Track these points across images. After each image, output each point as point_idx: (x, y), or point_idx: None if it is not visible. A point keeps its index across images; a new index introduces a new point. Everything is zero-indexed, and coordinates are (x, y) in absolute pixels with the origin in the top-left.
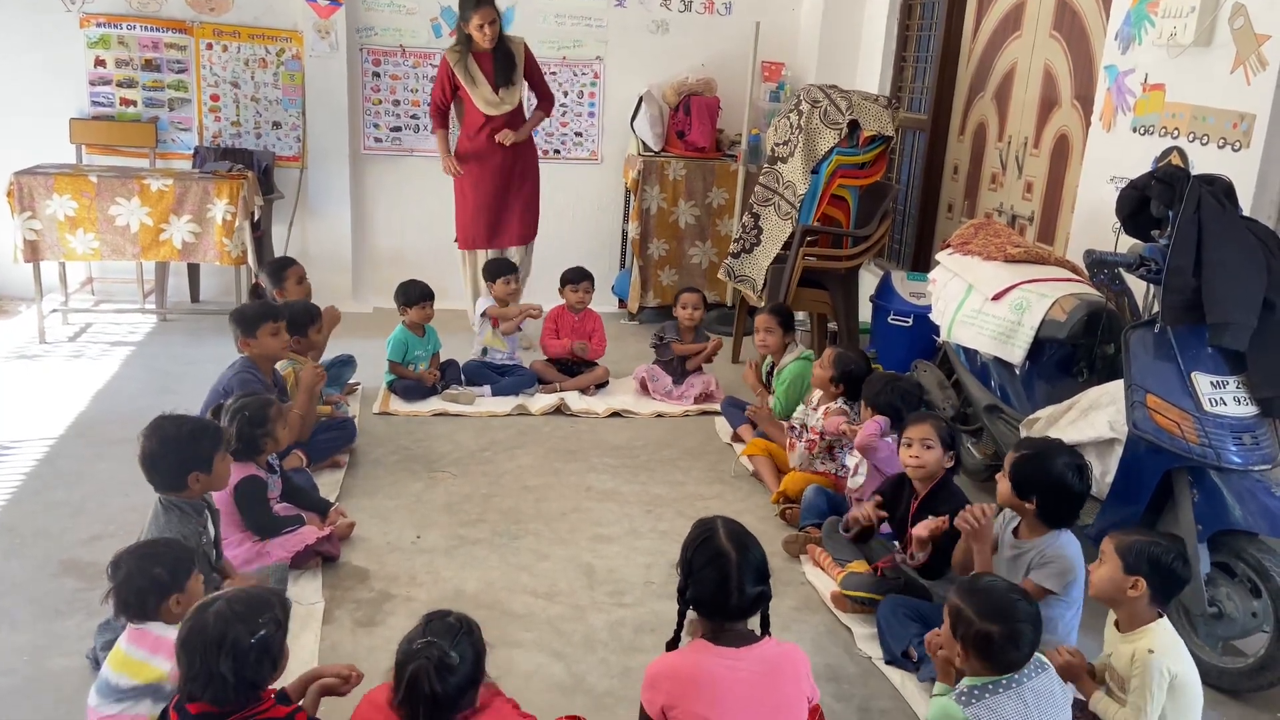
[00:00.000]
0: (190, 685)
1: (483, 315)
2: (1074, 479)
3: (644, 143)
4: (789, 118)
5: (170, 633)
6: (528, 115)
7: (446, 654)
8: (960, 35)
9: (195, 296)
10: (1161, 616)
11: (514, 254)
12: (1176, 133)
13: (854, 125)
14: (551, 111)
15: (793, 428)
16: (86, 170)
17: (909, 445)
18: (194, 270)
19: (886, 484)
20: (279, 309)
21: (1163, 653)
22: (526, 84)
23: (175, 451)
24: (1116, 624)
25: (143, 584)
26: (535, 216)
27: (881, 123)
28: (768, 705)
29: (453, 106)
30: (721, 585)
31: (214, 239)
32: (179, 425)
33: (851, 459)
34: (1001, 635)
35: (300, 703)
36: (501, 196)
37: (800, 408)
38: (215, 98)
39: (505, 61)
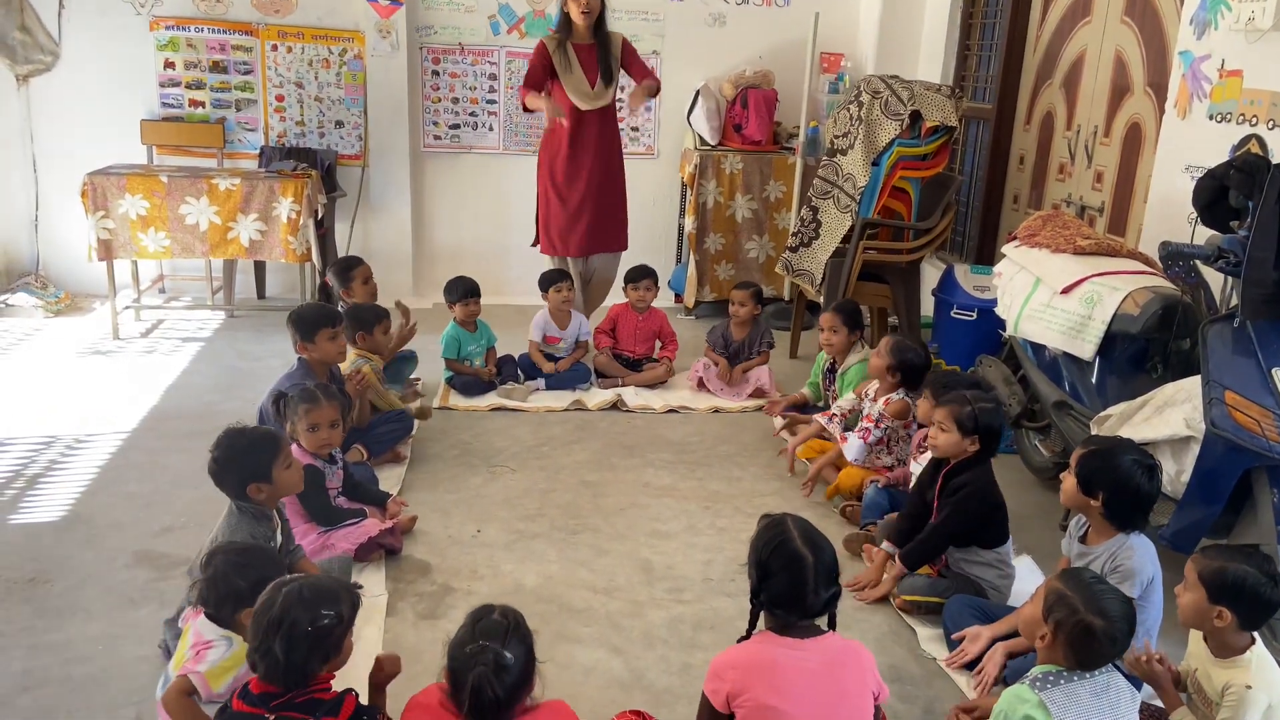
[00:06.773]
0: (253, 656)
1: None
2: (1142, 478)
3: (700, 136)
4: (849, 109)
5: (212, 631)
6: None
7: (501, 655)
8: (1026, 22)
9: (261, 293)
10: (1255, 642)
11: (595, 260)
12: (1255, 120)
13: (916, 116)
14: (658, 89)
15: (831, 416)
16: (157, 170)
17: (932, 425)
18: (260, 268)
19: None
20: (337, 314)
21: (1260, 687)
22: (626, 75)
23: (234, 466)
24: (1205, 639)
25: (225, 591)
26: (620, 224)
27: (944, 113)
28: (833, 693)
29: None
30: (799, 588)
31: (279, 237)
32: (238, 438)
33: (917, 465)
34: (1103, 631)
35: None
36: (581, 199)
37: (850, 396)
38: (280, 98)
39: (604, 53)
